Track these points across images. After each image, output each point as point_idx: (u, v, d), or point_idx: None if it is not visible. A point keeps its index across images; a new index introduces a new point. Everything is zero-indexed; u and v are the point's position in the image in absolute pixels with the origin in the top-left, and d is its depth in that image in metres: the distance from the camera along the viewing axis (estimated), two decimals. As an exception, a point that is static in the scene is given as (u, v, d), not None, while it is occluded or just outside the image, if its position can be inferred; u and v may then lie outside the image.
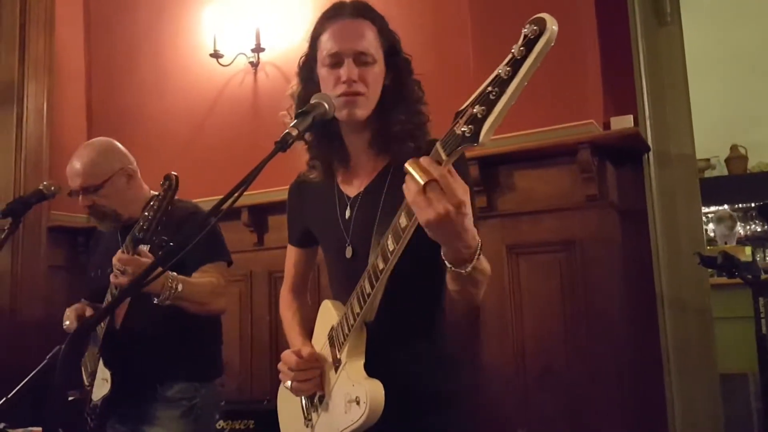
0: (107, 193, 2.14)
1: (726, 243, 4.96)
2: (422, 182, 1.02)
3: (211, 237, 2.16)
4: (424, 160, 1.04)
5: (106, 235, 2.35)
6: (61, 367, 1.01)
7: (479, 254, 1.13)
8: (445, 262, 1.15)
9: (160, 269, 1.24)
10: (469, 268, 1.13)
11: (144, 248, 1.86)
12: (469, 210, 1.05)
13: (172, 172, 1.89)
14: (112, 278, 1.88)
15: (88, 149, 2.20)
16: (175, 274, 1.89)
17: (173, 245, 1.26)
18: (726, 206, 5.41)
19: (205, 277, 2.06)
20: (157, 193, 1.90)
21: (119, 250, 1.88)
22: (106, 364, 2.06)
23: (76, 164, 2.15)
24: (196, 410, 2.10)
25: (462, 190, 1.03)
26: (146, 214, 1.84)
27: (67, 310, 2.15)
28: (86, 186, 2.12)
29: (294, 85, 1.55)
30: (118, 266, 1.83)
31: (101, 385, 2.06)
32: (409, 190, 1.05)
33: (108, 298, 2.01)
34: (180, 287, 1.88)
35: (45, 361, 1.02)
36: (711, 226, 5.50)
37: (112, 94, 4.12)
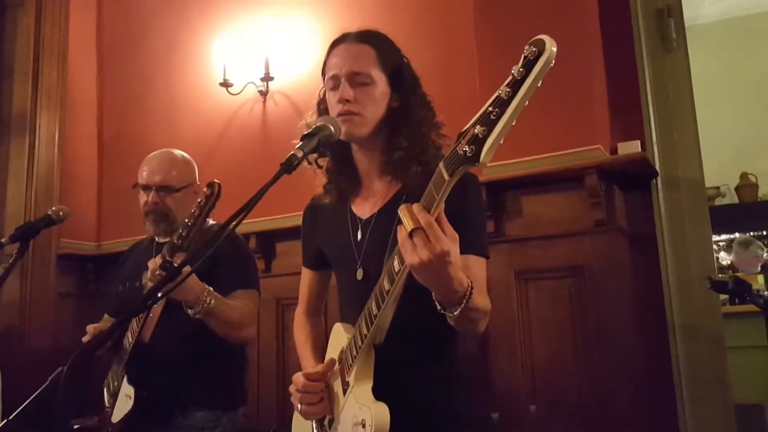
0: (180, 198, 2.17)
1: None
2: (409, 229, 1.08)
3: (246, 264, 2.18)
4: (415, 207, 1.10)
5: (136, 250, 2.36)
6: (63, 387, 1.00)
7: (468, 299, 1.17)
8: (436, 303, 1.19)
9: (174, 281, 1.25)
10: (456, 312, 1.18)
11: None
12: (453, 259, 1.10)
13: (215, 180, 1.87)
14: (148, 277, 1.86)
15: (172, 154, 2.25)
16: (210, 288, 1.89)
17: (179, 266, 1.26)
18: (737, 234, 5.37)
19: (237, 301, 2.05)
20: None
21: (158, 256, 1.86)
22: (130, 381, 2.03)
23: (160, 162, 2.19)
24: None
25: (449, 240, 1.08)
26: (186, 221, 1.83)
27: (89, 326, 2.15)
28: (165, 185, 2.16)
29: (312, 113, 1.59)
30: (156, 272, 1.81)
31: (124, 402, 2.02)
32: (400, 233, 1.11)
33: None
34: (212, 302, 1.87)
35: (47, 382, 1.01)
36: (723, 254, 5.45)
37: (123, 123, 4.17)
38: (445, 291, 1.16)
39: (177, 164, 2.22)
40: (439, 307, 1.20)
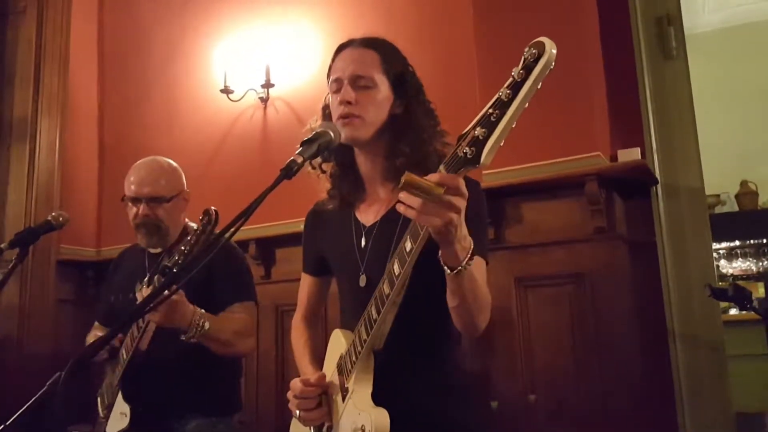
0: (170, 208, 2.15)
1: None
2: (439, 191, 1.05)
3: (242, 274, 2.16)
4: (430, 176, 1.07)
5: (128, 258, 2.33)
6: (60, 395, 0.99)
7: (469, 257, 1.16)
8: (444, 267, 1.17)
9: (164, 294, 1.24)
10: (466, 262, 1.15)
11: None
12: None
13: (212, 207, 1.80)
14: (149, 316, 1.83)
15: (158, 163, 2.21)
16: (202, 311, 1.87)
17: (176, 271, 1.26)
18: (737, 242, 5.36)
19: (233, 317, 2.04)
20: (193, 224, 1.86)
21: (145, 282, 1.85)
22: (126, 399, 2.02)
23: (148, 172, 2.15)
24: None
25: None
26: (182, 248, 1.76)
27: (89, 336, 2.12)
28: (156, 196, 2.13)
29: (316, 118, 1.59)
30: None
31: (118, 419, 2.01)
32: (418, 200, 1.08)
33: (133, 330, 1.98)
34: (207, 325, 1.86)
35: (44, 389, 1.00)
36: (723, 262, 5.44)
37: (124, 130, 4.18)
38: (464, 245, 1.14)
39: (165, 173, 2.18)
40: (447, 269, 1.17)
